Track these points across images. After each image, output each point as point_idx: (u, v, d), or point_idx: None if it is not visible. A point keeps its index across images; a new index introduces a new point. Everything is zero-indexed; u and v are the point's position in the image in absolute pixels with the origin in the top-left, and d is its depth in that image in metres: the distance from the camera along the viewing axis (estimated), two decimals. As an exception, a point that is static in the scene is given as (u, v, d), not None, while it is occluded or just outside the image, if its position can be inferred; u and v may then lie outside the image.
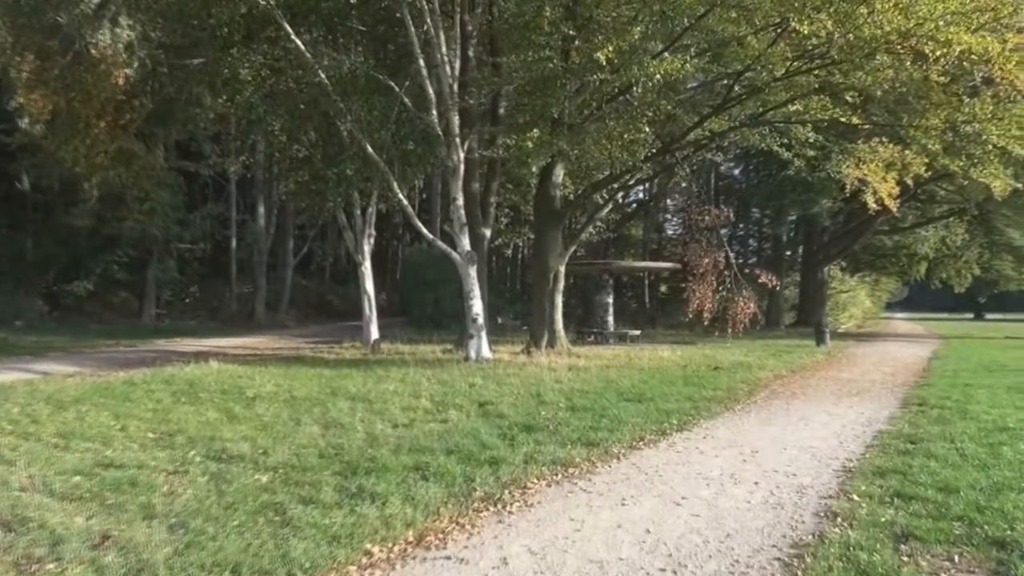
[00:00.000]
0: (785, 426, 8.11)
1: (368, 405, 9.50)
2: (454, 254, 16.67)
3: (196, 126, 24.74)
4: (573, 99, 16.05)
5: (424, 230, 16.77)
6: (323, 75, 14.95)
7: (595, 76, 12.75)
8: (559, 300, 18.71)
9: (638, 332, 25.35)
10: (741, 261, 16.63)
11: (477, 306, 16.59)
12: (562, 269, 18.60)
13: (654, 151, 16.45)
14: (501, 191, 24.69)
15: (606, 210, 19.59)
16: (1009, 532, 4.26)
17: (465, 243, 16.60)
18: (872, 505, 4.88)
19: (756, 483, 5.57)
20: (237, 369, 13.70)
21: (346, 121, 15.76)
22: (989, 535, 4.22)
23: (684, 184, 28.43)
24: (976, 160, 14.94)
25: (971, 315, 76.82)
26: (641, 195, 41.39)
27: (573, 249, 19.35)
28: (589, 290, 30.49)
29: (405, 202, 16.53)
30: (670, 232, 46.89)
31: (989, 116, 13.92)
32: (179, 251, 32.43)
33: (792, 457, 6.50)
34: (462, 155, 16.23)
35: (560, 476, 5.80)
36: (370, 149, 15.53)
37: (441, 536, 4.41)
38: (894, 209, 17.61)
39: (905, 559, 3.94)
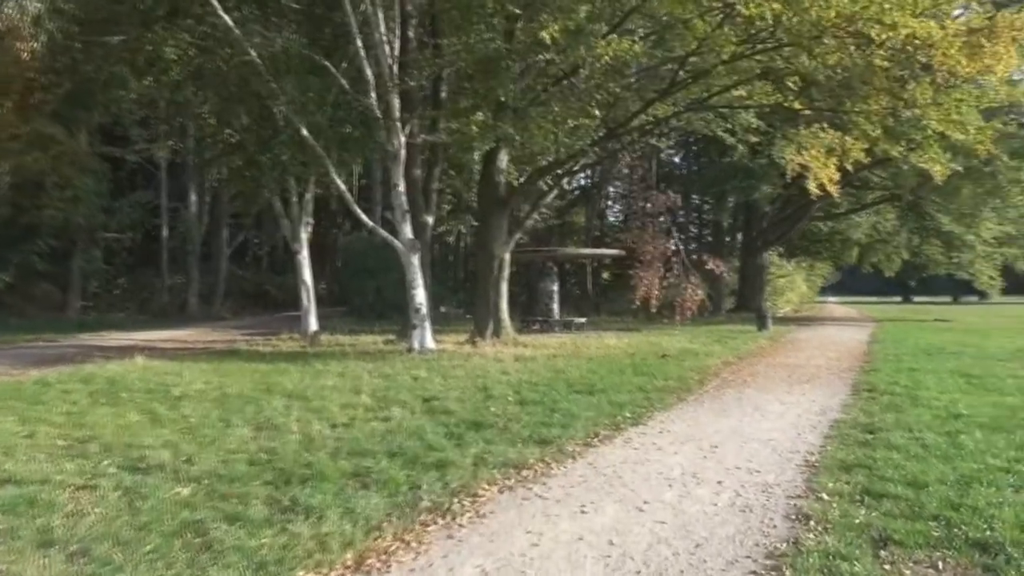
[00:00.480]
0: (741, 417, 7.89)
1: (305, 403, 8.93)
2: (396, 242, 16.09)
3: (120, 109, 23.42)
4: (518, 82, 15.62)
5: (364, 217, 16.13)
6: (254, 54, 14.12)
7: (540, 57, 12.33)
8: (504, 288, 18.32)
9: (583, 320, 25.16)
10: (683, 248, 16.54)
11: (420, 295, 16.06)
12: (507, 257, 18.20)
13: (600, 136, 16.16)
14: (444, 177, 24.11)
15: (551, 196, 19.26)
16: (989, 532, 4.04)
17: (407, 231, 16.03)
18: (843, 504, 4.62)
19: (720, 482, 5.27)
20: (164, 365, 12.89)
21: (279, 103, 14.96)
22: (970, 537, 3.99)
23: (627, 171, 28.34)
24: (916, 145, 15.11)
25: (899, 298, 79.69)
26: (584, 182, 41.30)
27: (518, 236, 18.96)
28: (533, 278, 30.18)
29: (343, 188, 15.84)
30: (612, 219, 47.03)
31: (929, 101, 14.05)
32: (106, 241, 30.79)
33: (753, 452, 6.25)
34: (403, 140, 15.63)
35: (513, 480, 5.39)
36: (305, 132, 14.78)
37: (384, 558, 3.95)
38: (835, 194, 17.74)
39: (887, 567, 3.67)
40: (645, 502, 4.79)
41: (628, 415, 7.98)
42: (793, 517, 4.46)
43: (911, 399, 8.75)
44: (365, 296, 31.16)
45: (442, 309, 35.59)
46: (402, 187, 15.91)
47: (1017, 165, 24.74)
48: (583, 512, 4.61)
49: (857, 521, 4.29)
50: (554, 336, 20.96)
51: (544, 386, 10.17)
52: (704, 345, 17.43)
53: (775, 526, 4.31)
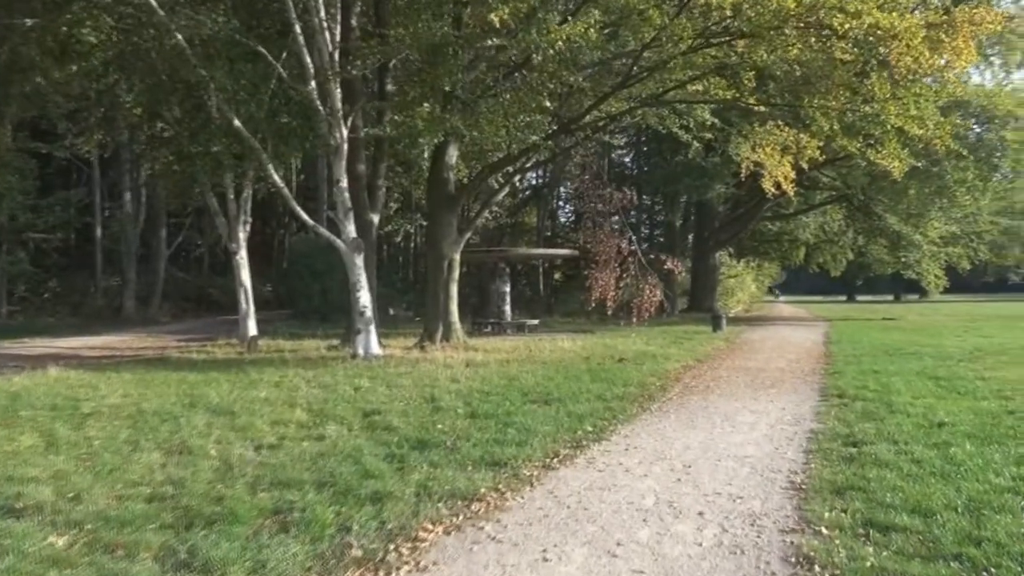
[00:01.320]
0: (711, 429, 7.25)
1: (230, 419, 7.99)
2: (338, 242, 15.16)
3: (45, 101, 21.86)
4: (467, 73, 14.85)
5: (304, 215, 15.13)
6: (180, 37, 13.01)
7: (491, 41, 11.57)
8: (454, 290, 17.50)
9: (536, 322, 24.50)
10: (639, 247, 16.03)
11: (365, 298, 15.16)
12: (457, 257, 17.38)
13: (552, 130, 15.48)
14: (390, 174, 23.19)
15: (502, 194, 18.54)
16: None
17: (350, 230, 15.11)
18: (847, 541, 3.97)
19: (701, 514, 4.57)
20: (81, 376, 11.71)
21: (209, 91, 13.86)
22: (1005, 584, 3.37)
23: (578, 172, 27.75)
24: (874, 141, 14.83)
25: (844, 298, 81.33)
26: (535, 181, 40.72)
27: (468, 236, 18.17)
28: (485, 279, 29.41)
29: (281, 184, 14.81)
30: (564, 220, 46.55)
31: (888, 96, 13.75)
32: (34, 241, 28.95)
33: (731, 472, 5.59)
34: (345, 133, 14.71)
35: (462, 517, 4.59)
36: (238, 123, 13.73)
37: (297, 633, 3.13)
38: (791, 192, 17.43)
39: (918, 629, 3.01)
40: (618, 543, 4.05)
41: (589, 429, 7.27)
42: (793, 560, 3.78)
43: (886, 405, 8.25)
44: (310, 299, 30.01)
45: (391, 311, 34.57)
46: (345, 183, 15.00)
47: (963, 165, 24.96)
48: (545, 559, 3.85)
49: (868, 564, 3.63)
50: (507, 339, 20.24)
51: (497, 395, 9.41)
52: (661, 347, 16.92)
53: (774, 573, 3.63)
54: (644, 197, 49.40)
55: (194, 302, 36.46)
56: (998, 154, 24.24)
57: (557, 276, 42.73)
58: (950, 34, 12.54)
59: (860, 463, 5.61)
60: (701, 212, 36.14)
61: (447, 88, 12.35)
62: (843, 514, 4.42)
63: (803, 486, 5.13)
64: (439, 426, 7.34)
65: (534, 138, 13.85)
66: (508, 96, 12.98)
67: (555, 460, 6.00)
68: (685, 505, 4.73)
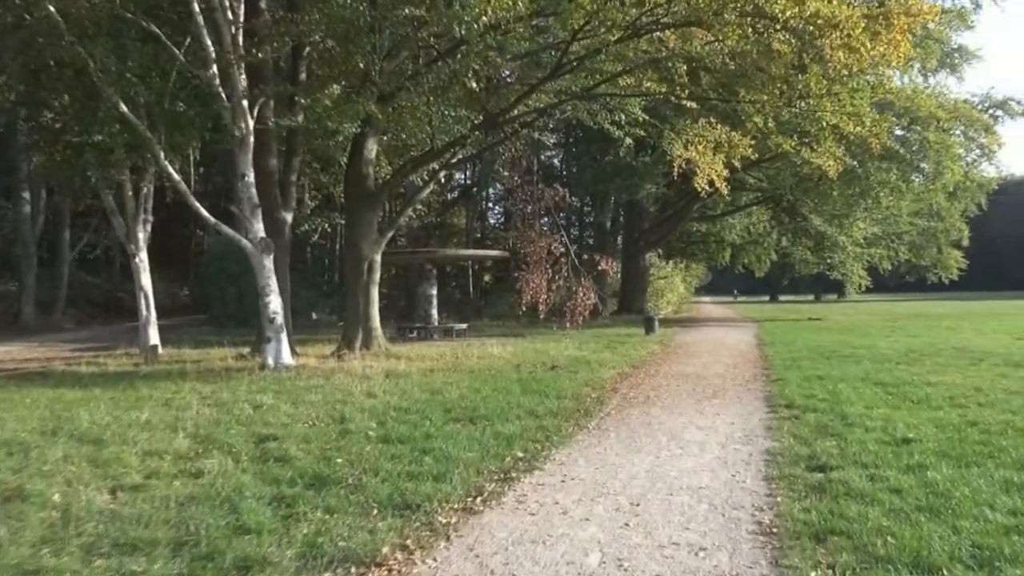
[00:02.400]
0: (657, 452, 6.39)
1: (95, 450, 6.70)
2: (244, 241, 13.82)
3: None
4: (388, 61, 13.75)
5: (203, 212, 13.68)
6: (52, 9, 11.44)
7: (407, 10, 10.51)
8: (375, 293, 16.32)
9: (464, 326, 23.49)
10: (572, 248, 15.21)
11: (275, 303, 13.87)
12: (378, 258, 16.19)
13: (479, 122, 14.52)
14: (307, 170, 21.78)
15: (426, 192, 17.45)
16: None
17: (258, 228, 13.79)
18: (846, 616, 3.12)
19: (659, 576, 3.66)
20: (-71, 398, 10.08)
21: (93, 72, 12.29)
22: None
23: (507, 173, 26.84)
24: (810, 138, 14.44)
25: (767, 298, 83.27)
26: (464, 180, 39.71)
27: (390, 235, 17.00)
28: (412, 282, 28.26)
29: (177, 178, 13.34)
30: (493, 221, 45.73)
31: (824, 91, 13.33)
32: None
33: (687, 511, 4.71)
34: (251, 123, 13.38)
35: (354, 593, 3.56)
36: (125, 109, 12.23)
37: None
38: (725, 191, 16.96)
39: None
40: (556, 631, 3.10)
41: (520, 454, 6.30)
42: (784, 650, 2.91)
43: (840, 417, 7.59)
44: (226, 303, 28.28)
45: (314, 316, 32.96)
46: (251, 178, 13.68)
47: (886, 167, 25.23)
48: (460, 664, 2.86)
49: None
50: (433, 345, 19.16)
51: (416, 413, 8.36)
52: (594, 352, 16.15)
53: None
54: (574, 198, 49.02)
55: (103, 308, 34.07)
56: (920, 155, 24.55)
57: (487, 278, 41.83)
58: (886, 26, 12.17)
59: (832, 495, 4.82)
60: (631, 213, 35.82)
61: (361, 66, 11.20)
62: (830, 572, 3.58)
63: (774, 529, 4.29)
64: (344, 455, 6.24)
65: (459, 129, 12.84)
66: (430, 78, 11.90)
67: (478, 499, 5.00)
68: (638, 564, 3.80)
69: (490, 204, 45.74)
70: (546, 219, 16.21)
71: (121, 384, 11.53)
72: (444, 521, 4.53)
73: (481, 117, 14.67)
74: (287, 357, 13.82)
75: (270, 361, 13.55)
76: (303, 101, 12.13)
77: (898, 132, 22.57)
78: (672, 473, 5.62)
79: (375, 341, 16.21)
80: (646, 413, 8.40)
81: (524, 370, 12.79)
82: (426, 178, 17.35)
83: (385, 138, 16.10)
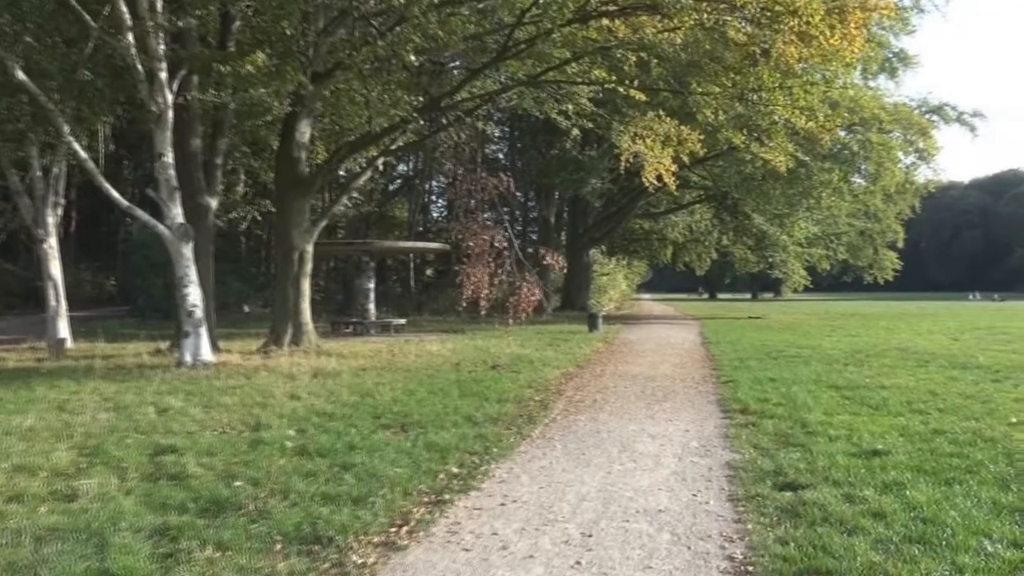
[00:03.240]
0: (608, 466, 5.74)
1: (-45, 466, 5.69)
2: (161, 227, 12.70)
3: None
4: (324, 36, 12.82)
5: (114, 194, 12.53)
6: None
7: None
8: (306, 286, 15.31)
9: (403, 321, 22.60)
10: (516, 240, 14.45)
11: (194, 295, 12.82)
12: (310, 249, 15.19)
13: (420, 106, 13.68)
14: (236, 154, 20.52)
15: (363, 179, 16.49)
16: None
17: (176, 213, 12.69)
18: None
19: (619, 638, 2.98)
20: None
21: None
22: None
23: (450, 166, 25.92)
24: (761, 132, 14.08)
25: (706, 296, 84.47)
26: (406, 169, 38.62)
27: (324, 224, 15.99)
28: (351, 274, 27.19)
29: (84, 155, 12.14)
30: (436, 214, 44.75)
31: (777, 84, 12.98)
32: None
33: (647, 542, 4.05)
34: (170, 98, 12.27)
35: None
36: (22, 75, 10.98)
37: None
38: (673, 186, 16.51)
39: None
40: None
41: (455, 470, 5.56)
42: None
43: (800, 424, 7.10)
44: (151, 294, 26.72)
45: (246, 309, 31.53)
46: (170, 158, 12.58)
47: (828, 167, 25.35)
48: None
49: None
50: (369, 341, 18.27)
51: (341, 419, 7.54)
52: (537, 350, 15.53)
53: None
54: (519, 193, 48.46)
55: (22, 297, 31.87)
56: (862, 156, 24.70)
57: (429, 272, 40.86)
58: (841, 20, 11.84)
59: (808, 521, 4.23)
60: (575, 208, 35.39)
61: (288, 33, 10.25)
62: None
63: (749, 568, 3.66)
64: (252, 471, 5.40)
65: (397, 113, 11.98)
66: (365, 51, 11.02)
67: (403, 530, 4.23)
68: (594, 618, 3.13)
69: (433, 197, 44.79)
70: (489, 211, 15.47)
71: (15, 383, 10.36)
72: (359, 561, 3.75)
73: (422, 101, 13.84)
74: (207, 353, 12.79)
75: (188, 358, 12.52)
76: (222, 69, 11.05)
77: (841, 133, 22.56)
78: (627, 493, 4.97)
79: (306, 337, 15.22)
80: (594, 419, 7.76)
81: (464, 369, 12.07)
82: (364, 165, 16.39)
83: (324, 121, 15.11)
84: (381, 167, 19.59)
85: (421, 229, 39.56)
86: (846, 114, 19.71)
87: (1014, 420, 7.03)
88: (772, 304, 58.34)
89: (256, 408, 8.19)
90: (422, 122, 14.49)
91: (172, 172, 12.61)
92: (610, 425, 7.41)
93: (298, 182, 14.98)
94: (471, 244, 12.12)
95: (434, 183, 41.50)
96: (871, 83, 28.08)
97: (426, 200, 42.28)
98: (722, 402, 8.80)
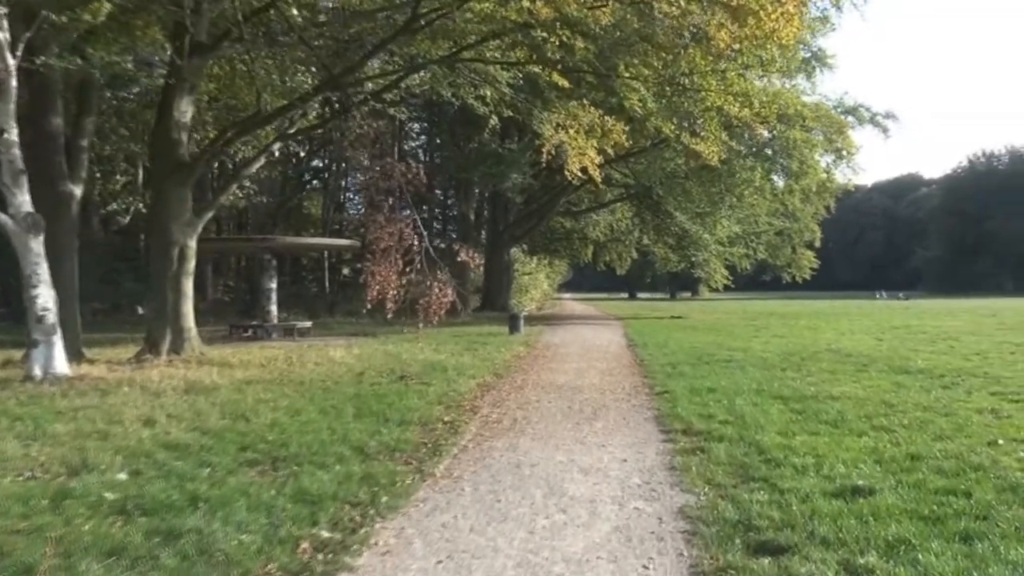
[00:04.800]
0: (531, 520, 4.42)
1: None
2: (3, 217, 10.72)
3: None
4: (212, 3, 11.10)
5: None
6: None
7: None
8: (188, 286, 13.45)
9: (309, 324, 20.79)
10: (427, 235, 12.91)
11: (45, 297, 10.92)
12: (192, 244, 13.34)
13: (319, 84, 12.09)
14: (114, 137, 18.28)
15: (255, 166, 14.67)
16: None
17: (22, 201, 10.73)
18: None
19: None
20: None
21: None
22: None
23: (348, 144, 23.97)
24: (693, 120, 13.11)
25: (626, 295, 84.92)
26: (320, 163, 36.47)
27: (209, 216, 14.12)
28: (256, 274, 25.12)
29: None
30: (353, 212, 42.67)
31: (710, 68, 12.02)
32: None
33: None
34: (12, 62, 10.32)
35: None
36: None
37: None
38: (598, 179, 15.46)
39: None
40: None
41: (325, 534, 4.11)
42: None
43: (756, 449, 5.98)
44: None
45: (140, 311, 28.84)
46: (14, 136, 10.65)
47: (751, 164, 24.95)
48: None
49: None
50: (268, 346, 16.47)
51: (196, 453, 5.98)
52: (452, 356, 14.17)
53: None
54: (437, 191, 46.86)
55: None
56: (785, 154, 24.38)
57: (346, 271, 38.79)
58: (778, -2, 10.96)
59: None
60: (496, 205, 34.13)
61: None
62: None
63: None
64: (27, 552, 3.81)
65: (291, 85, 10.38)
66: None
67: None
68: None
69: (350, 195, 42.70)
70: (399, 203, 13.95)
71: None
72: None
73: (321, 80, 12.23)
74: (61, 366, 10.89)
75: (37, 371, 10.63)
76: (57, 19, 9.20)
77: (764, 134, 22.07)
78: (556, 568, 3.65)
79: (188, 344, 13.37)
80: (513, 447, 6.44)
81: (366, 381, 10.58)
82: (258, 147, 14.60)
83: (217, 101, 13.32)
84: (276, 153, 17.75)
85: (337, 227, 37.48)
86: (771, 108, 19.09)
87: (999, 441, 6.10)
88: (691, 304, 58.75)
89: (92, 440, 6.50)
90: (323, 105, 12.87)
91: (17, 152, 10.64)
92: (532, 455, 6.10)
93: (178, 167, 13.10)
94: (376, 238, 10.63)
95: (350, 178, 39.48)
96: (789, 83, 27.91)
97: (343, 196, 40.14)
98: (660, 419, 7.64)
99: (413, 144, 46.90)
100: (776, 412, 7.64)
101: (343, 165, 33.02)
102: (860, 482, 4.89)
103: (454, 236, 40.53)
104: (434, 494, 4.96)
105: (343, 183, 38.84)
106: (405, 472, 5.45)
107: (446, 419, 7.56)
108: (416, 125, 45.29)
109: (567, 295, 78.28)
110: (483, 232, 37.92)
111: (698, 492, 4.90)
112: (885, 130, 29.95)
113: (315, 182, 40.40)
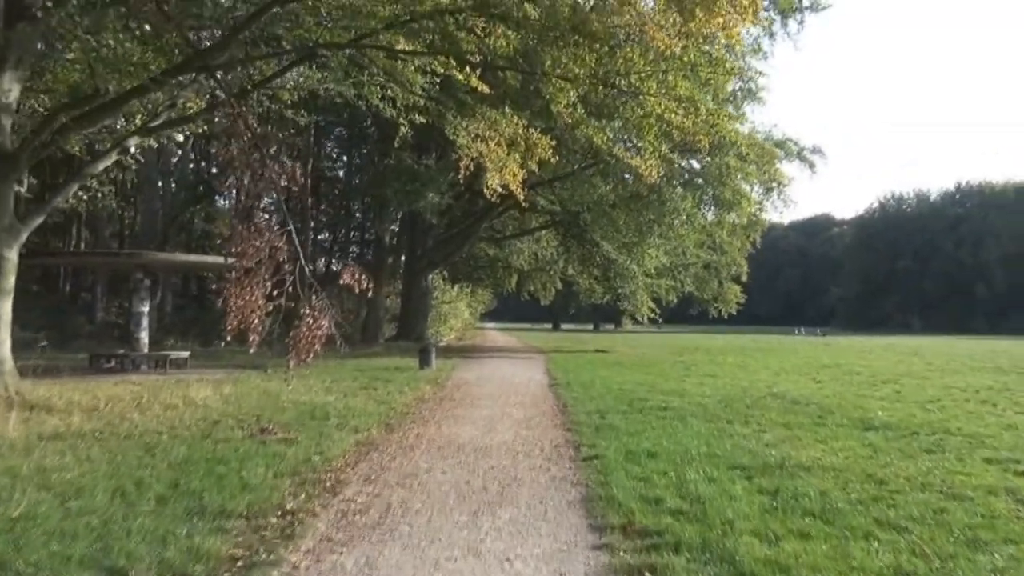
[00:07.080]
0: None
1: None
2: None
3: None
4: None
5: None
6: None
7: None
8: (5, 308, 10.74)
9: (186, 354, 17.99)
10: (302, 252, 10.60)
11: None
12: (13, 256, 10.64)
13: (174, 65, 9.80)
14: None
15: (103, 164, 12.09)
16: None
17: None
18: None
19: None
20: None
21: None
22: None
23: (232, 151, 21.43)
24: (630, 127, 11.37)
25: (550, 326, 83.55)
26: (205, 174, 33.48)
27: (39, 222, 11.43)
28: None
29: None
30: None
31: (649, 70, 10.32)
32: None
33: None
34: None
35: None
36: None
37: None
38: (521, 196, 13.57)
39: None
40: None
41: None
42: None
43: (731, 568, 4.03)
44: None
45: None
46: None
47: (682, 193, 23.70)
48: None
49: None
50: (126, 381, 13.83)
51: None
52: (343, 396, 11.96)
53: None
54: (356, 212, 44.22)
55: None
56: (718, 183, 23.21)
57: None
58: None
59: None
60: (414, 227, 31.87)
61: None
62: None
63: None
64: None
65: (137, 57, 8.08)
66: None
67: None
68: None
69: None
70: (277, 214, 11.49)
71: None
72: None
73: (179, 58, 9.93)
74: None
75: None
76: None
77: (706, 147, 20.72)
78: None
79: (2, 380, 10.63)
80: (370, 564, 4.28)
81: (216, 435, 8.24)
82: (107, 139, 12.07)
83: (40, 79, 10.75)
84: (134, 149, 15.13)
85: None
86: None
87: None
88: (615, 336, 57.65)
89: None
90: (188, 89, 10.51)
91: None
92: (398, 583, 3.96)
93: (-3, 158, 10.46)
94: (241, 252, 8.38)
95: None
96: (720, 108, 26.96)
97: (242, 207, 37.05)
98: (590, 504, 5.62)
99: (332, 163, 44.45)
100: (742, 494, 5.73)
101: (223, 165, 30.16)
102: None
103: (370, 259, 38.06)
104: None
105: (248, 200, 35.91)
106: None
107: (288, 506, 5.31)
108: (336, 147, 42.93)
109: (490, 325, 76.30)
110: (402, 257, 35.56)
111: None
112: (812, 165, 29.31)
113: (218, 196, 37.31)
